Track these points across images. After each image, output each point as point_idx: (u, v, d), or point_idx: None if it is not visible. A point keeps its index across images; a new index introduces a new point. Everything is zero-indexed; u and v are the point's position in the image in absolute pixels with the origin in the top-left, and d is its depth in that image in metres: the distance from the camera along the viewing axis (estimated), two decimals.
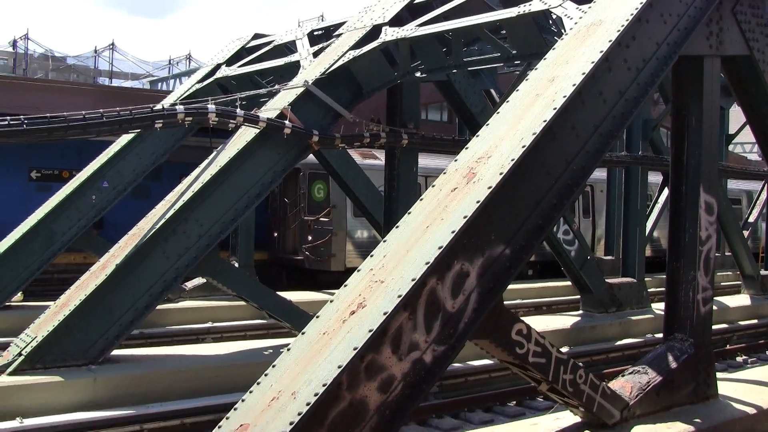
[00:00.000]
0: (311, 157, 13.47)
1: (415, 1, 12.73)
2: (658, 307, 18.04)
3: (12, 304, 14.71)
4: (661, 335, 8.77)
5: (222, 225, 11.64)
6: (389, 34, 12.17)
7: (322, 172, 21.60)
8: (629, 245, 18.82)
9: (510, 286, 7.43)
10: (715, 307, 8.85)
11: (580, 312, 17.67)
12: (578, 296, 18.17)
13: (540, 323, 15.44)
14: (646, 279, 18.91)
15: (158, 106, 11.87)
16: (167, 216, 11.35)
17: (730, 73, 9.09)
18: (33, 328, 11.15)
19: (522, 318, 6.42)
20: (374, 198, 15.93)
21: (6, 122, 10.46)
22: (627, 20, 7.17)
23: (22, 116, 10.63)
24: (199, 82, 16.70)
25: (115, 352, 11.41)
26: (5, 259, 14.22)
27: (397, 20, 12.45)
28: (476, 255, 5.72)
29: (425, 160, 18.03)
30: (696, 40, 7.97)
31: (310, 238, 24.62)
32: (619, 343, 16.44)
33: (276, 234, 26.41)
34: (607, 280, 17.89)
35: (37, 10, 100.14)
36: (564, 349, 13.11)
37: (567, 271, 17.60)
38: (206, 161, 12.20)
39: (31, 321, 11.56)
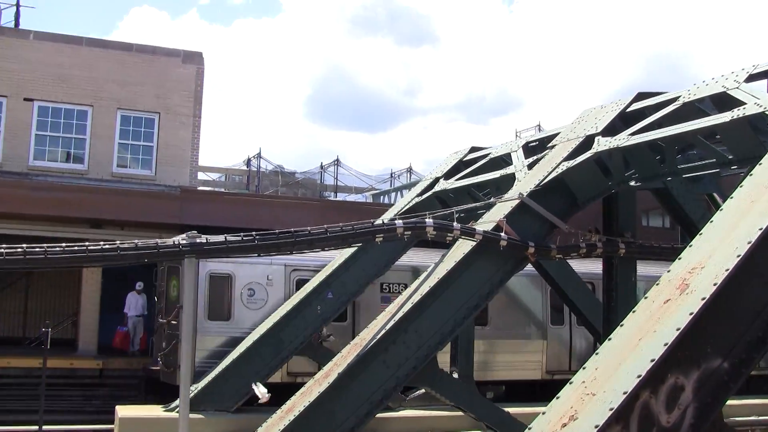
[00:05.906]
0: None
1: (627, 110, 12.73)
2: None
3: (242, 407, 15.42)
4: None
5: (441, 336, 11.77)
6: (602, 143, 12.17)
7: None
8: None
9: (736, 402, 7.20)
10: None
11: None
12: None
13: None
14: None
15: (378, 221, 12.39)
16: (388, 326, 11.67)
17: None
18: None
19: None
20: (593, 307, 15.69)
21: (239, 238, 11.43)
22: None
23: (254, 233, 11.57)
24: (418, 195, 17.24)
25: None
26: (238, 364, 15.14)
27: (610, 129, 12.45)
28: (691, 368, 5.64)
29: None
30: None
31: (164, 344, 20.55)
32: None
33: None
34: None
35: (267, 130, 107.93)
36: None
37: None
38: (424, 273, 12.53)
39: (259, 424, 12.10)
